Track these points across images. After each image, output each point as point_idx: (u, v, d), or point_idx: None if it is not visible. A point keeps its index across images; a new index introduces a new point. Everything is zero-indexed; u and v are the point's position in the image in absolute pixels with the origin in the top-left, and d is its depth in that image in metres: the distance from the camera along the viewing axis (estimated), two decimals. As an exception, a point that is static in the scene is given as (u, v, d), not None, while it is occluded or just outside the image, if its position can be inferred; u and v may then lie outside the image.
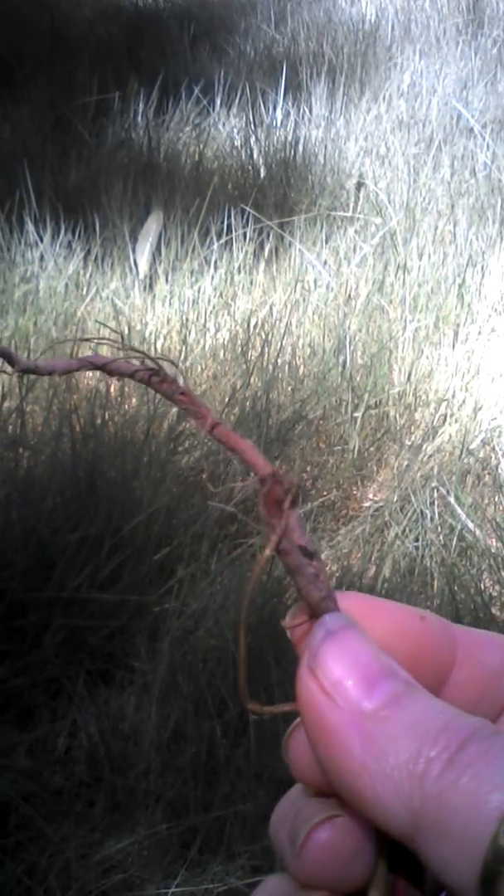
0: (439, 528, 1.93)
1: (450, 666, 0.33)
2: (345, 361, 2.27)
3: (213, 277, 2.56)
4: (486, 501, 2.04)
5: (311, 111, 3.68)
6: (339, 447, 2.14)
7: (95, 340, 0.38)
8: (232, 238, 2.68)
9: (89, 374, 2.29)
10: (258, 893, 0.33)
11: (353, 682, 0.30)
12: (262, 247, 2.71)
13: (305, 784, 0.33)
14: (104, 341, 0.37)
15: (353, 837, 0.31)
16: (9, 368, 0.33)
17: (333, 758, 0.30)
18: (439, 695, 0.33)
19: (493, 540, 1.91)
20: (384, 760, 0.29)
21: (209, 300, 2.48)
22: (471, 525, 1.92)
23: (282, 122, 3.58)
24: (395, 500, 2.00)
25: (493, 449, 2.14)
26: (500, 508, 1.99)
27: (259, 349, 2.26)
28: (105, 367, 0.33)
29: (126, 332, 2.30)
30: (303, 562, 0.32)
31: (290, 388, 2.23)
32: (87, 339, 0.36)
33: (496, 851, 0.27)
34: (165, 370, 0.34)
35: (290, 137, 3.39)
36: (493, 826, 0.27)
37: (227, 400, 2.13)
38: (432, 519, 1.94)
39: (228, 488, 1.93)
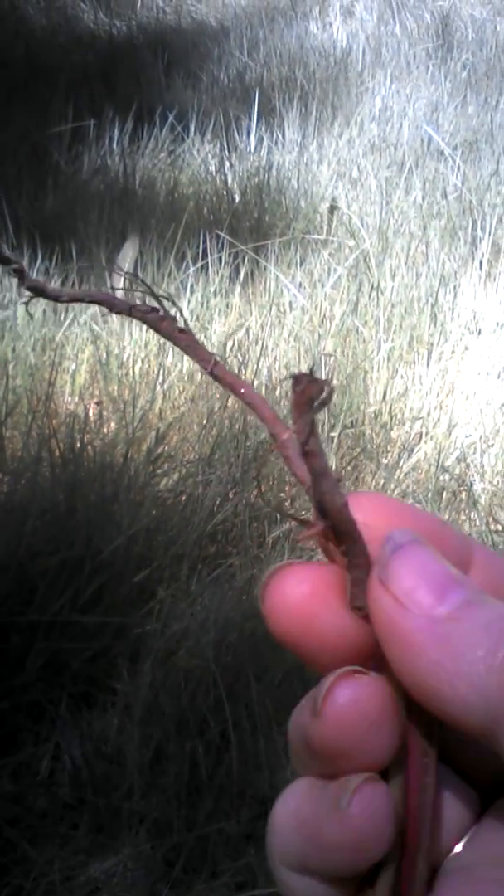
0: (416, 544, 1.96)
1: (468, 565, 0.33)
2: (320, 382, 2.29)
3: (189, 301, 2.59)
4: (461, 518, 2.07)
5: (284, 136, 3.72)
6: (316, 467, 2.16)
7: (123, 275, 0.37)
8: (208, 263, 2.71)
9: (68, 397, 2.31)
10: (284, 801, 0.32)
11: (425, 590, 0.30)
12: (237, 271, 2.74)
13: (282, 640, 0.32)
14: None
15: (380, 696, 0.31)
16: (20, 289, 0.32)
17: (409, 661, 0.30)
18: None
19: (470, 556, 1.93)
20: (460, 657, 0.29)
21: (185, 324, 2.51)
22: (447, 541, 1.94)
23: (255, 148, 3.63)
24: (372, 518, 2.02)
25: (468, 466, 2.17)
26: (476, 525, 2.02)
27: (236, 371, 2.28)
28: (106, 302, 0.33)
29: (104, 356, 2.32)
30: (327, 467, 0.31)
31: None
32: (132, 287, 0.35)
33: None
34: (166, 309, 0.33)
35: (263, 163, 3.43)
36: None
37: (204, 422, 2.15)
38: (409, 536, 1.96)
39: (208, 509, 1.94)
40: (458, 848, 0.32)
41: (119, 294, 0.34)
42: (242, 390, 0.33)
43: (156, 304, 0.33)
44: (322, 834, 0.31)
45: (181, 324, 0.33)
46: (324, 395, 0.30)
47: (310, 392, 0.30)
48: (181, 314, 0.33)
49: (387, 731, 0.31)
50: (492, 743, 0.29)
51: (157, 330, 0.33)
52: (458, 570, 0.31)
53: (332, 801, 0.31)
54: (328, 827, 0.31)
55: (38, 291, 0.32)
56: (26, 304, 0.35)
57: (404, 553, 0.31)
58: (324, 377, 0.30)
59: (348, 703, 0.31)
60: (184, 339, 0.33)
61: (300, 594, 0.32)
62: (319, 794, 0.31)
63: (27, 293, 0.33)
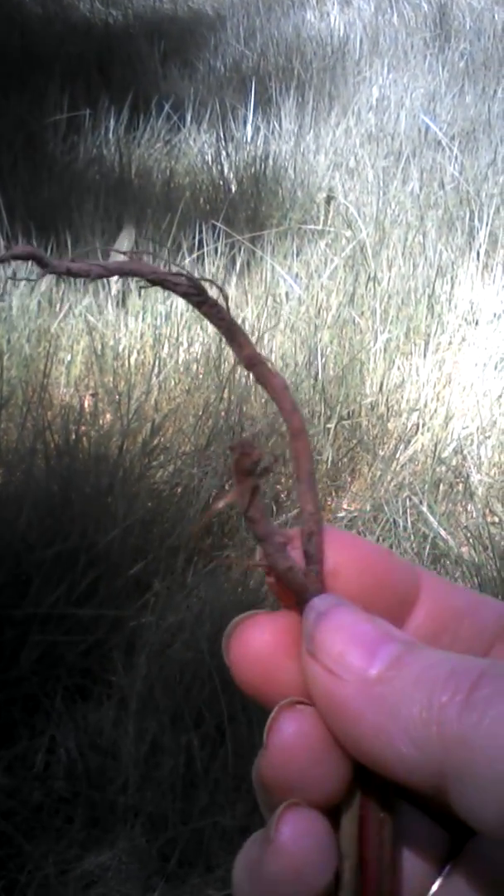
0: (412, 536, 1.95)
1: (413, 600, 0.33)
2: (317, 373, 2.29)
3: (185, 292, 2.57)
4: (458, 510, 2.06)
5: (280, 126, 3.71)
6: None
7: (136, 253, 0.34)
8: (204, 253, 2.70)
9: (63, 389, 2.29)
10: (243, 850, 0.32)
11: (354, 654, 0.30)
12: (233, 261, 2.73)
13: (247, 690, 0.32)
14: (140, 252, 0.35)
15: (325, 727, 0.31)
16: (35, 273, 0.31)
17: (349, 730, 0.30)
18: (402, 627, 0.33)
19: (466, 548, 1.93)
20: (398, 718, 0.28)
21: (182, 315, 2.50)
22: (443, 533, 1.93)
23: (252, 138, 3.61)
24: (368, 509, 2.01)
25: (465, 457, 2.16)
26: (472, 516, 2.01)
27: (232, 363, 2.27)
28: (150, 276, 0.31)
29: (100, 348, 2.31)
30: (270, 531, 0.31)
31: (262, 401, 2.24)
32: (128, 252, 0.33)
33: None
34: (207, 292, 0.32)
35: (260, 152, 3.42)
36: None
37: (200, 413, 2.14)
38: (405, 528, 1.96)
39: (203, 501, 1.94)
40: (433, 888, 0.32)
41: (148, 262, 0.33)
42: (276, 387, 0.32)
43: (186, 274, 0.32)
44: (261, 869, 0.30)
45: (224, 310, 0.32)
46: (263, 462, 0.30)
47: (246, 460, 0.30)
48: (225, 299, 0.32)
49: (334, 762, 0.31)
50: (444, 799, 0.28)
51: (199, 310, 0.32)
52: (386, 623, 0.31)
53: (266, 835, 0.30)
54: (265, 860, 0.30)
55: (64, 272, 0.31)
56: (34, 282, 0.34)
57: (328, 620, 0.31)
58: (259, 450, 0.30)
59: (292, 734, 0.31)
60: (224, 325, 0.32)
61: (263, 644, 0.32)
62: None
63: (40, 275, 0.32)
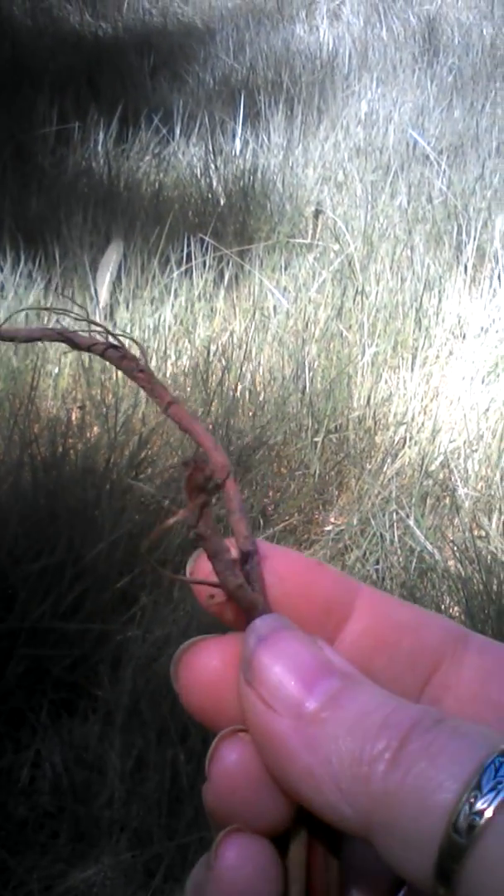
0: (399, 550, 1.96)
1: (347, 612, 0.33)
2: (304, 387, 2.29)
3: (173, 305, 2.58)
4: (445, 523, 2.06)
5: (269, 139, 3.72)
6: (299, 472, 2.16)
7: (59, 312, 0.36)
8: (192, 266, 2.71)
9: (50, 401, 2.29)
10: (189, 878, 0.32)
11: (290, 686, 0.30)
12: (221, 275, 2.74)
13: (196, 716, 0.32)
14: (68, 314, 0.35)
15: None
16: None
17: (280, 765, 0.30)
18: (336, 638, 0.32)
19: (453, 561, 1.93)
20: (329, 765, 0.28)
21: (169, 328, 2.50)
22: (430, 547, 1.94)
23: (241, 151, 3.62)
24: (355, 523, 2.02)
25: (452, 471, 2.16)
26: (459, 530, 2.02)
27: (219, 376, 2.28)
28: (68, 339, 0.33)
29: (87, 360, 2.31)
30: (221, 548, 0.32)
31: (250, 414, 2.25)
32: (51, 310, 0.36)
33: (449, 846, 0.27)
34: (126, 348, 0.33)
35: (248, 166, 3.43)
36: (443, 823, 0.27)
37: (188, 427, 2.14)
38: (392, 542, 1.96)
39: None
40: None
41: (77, 330, 0.34)
42: (197, 432, 0.33)
43: (115, 342, 0.33)
44: (205, 893, 0.30)
45: (142, 363, 0.33)
46: (214, 480, 0.30)
47: (197, 476, 0.30)
48: (142, 352, 0.34)
49: (276, 790, 0.30)
50: (371, 844, 0.28)
51: (118, 367, 0.33)
52: (328, 647, 0.31)
53: (208, 859, 0.31)
54: (208, 885, 0.30)
55: None
56: None
57: (268, 645, 0.31)
58: (211, 465, 0.31)
59: (233, 763, 0.31)
60: (143, 378, 0.33)
61: (211, 669, 0.32)
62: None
63: None
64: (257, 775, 0.30)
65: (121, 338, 0.33)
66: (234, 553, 0.32)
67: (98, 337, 0.33)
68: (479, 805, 0.27)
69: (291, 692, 0.30)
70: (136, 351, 0.34)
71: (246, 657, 0.31)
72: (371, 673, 0.32)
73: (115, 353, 0.33)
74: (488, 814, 0.27)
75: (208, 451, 0.33)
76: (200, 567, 0.33)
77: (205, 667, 0.32)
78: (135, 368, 0.33)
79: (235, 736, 0.31)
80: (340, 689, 0.30)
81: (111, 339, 0.33)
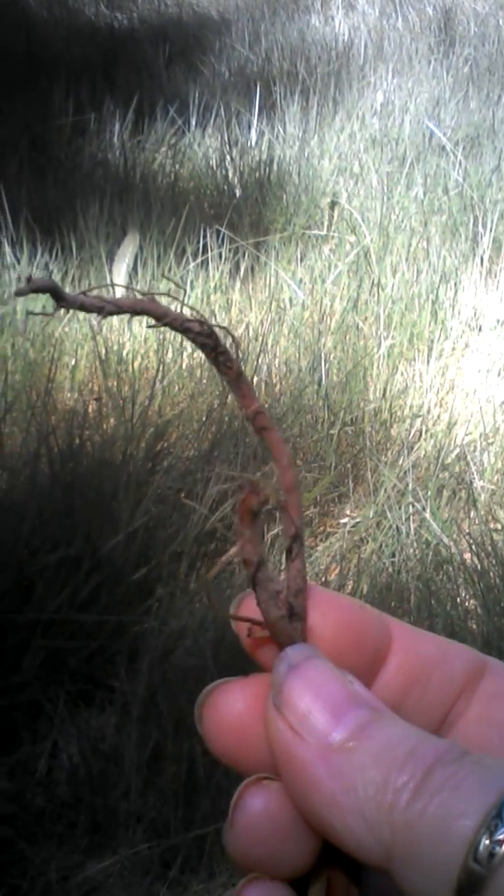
0: (415, 543, 1.95)
1: (386, 653, 0.33)
2: (320, 379, 2.29)
3: (189, 297, 2.58)
4: (461, 516, 2.06)
5: (285, 130, 3.71)
6: (315, 464, 2.16)
7: (151, 294, 0.33)
8: (208, 258, 2.70)
9: (67, 393, 2.30)
10: None
11: (318, 715, 0.30)
12: (237, 266, 2.73)
13: (221, 759, 0.32)
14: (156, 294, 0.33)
15: (290, 803, 0.31)
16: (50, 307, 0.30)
17: (304, 792, 0.30)
18: (375, 678, 0.33)
19: (469, 554, 1.93)
20: (353, 793, 0.29)
21: (237, 356, 2.50)
22: (446, 540, 1.94)
23: (256, 142, 3.61)
24: (371, 516, 2.02)
25: (468, 464, 2.16)
26: (475, 523, 2.01)
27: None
28: (163, 318, 0.31)
29: (104, 352, 2.32)
30: (266, 577, 0.31)
31: (266, 406, 2.24)
32: (142, 292, 0.33)
33: (468, 875, 0.27)
34: (221, 339, 0.32)
35: (264, 157, 3.42)
36: (462, 851, 0.27)
37: (204, 419, 2.14)
38: (408, 534, 1.96)
39: (207, 507, 1.94)
40: None
41: (165, 302, 0.32)
42: (276, 442, 0.32)
43: (200, 319, 0.32)
44: None
45: (233, 358, 0.32)
46: (272, 501, 0.30)
47: (252, 501, 0.30)
48: (236, 347, 0.32)
49: (301, 838, 0.31)
50: (390, 875, 0.29)
51: (209, 358, 0.31)
52: (357, 682, 0.31)
53: None
54: None
55: (76, 307, 0.31)
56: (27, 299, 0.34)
57: (298, 674, 0.31)
58: (267, 490, 0.29)
59: (258, 813, 0.31)
60: (231, 374, 0.32)
61: (235, 712, 0.32)
62: None
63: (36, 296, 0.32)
64: (282, 824, 0.31)
65: (217, 328, 0.32)
66: (281, 584, 0.32)
67: (194, 323, 0.31)
68: (500, 835, 0.27)
69: (320, 720, 0.30)
70: (230, 345, 0.33)
71: (277, 683, 0.31)
72: (406, 708, 0.33)
73: (205, 341, 0.31)
74: None
75: (281, 469, 0.32)
76: (247, 604, 0.33)
77: (230, 709, 0.32)
78: (224, 362, 0.32)
79: (260, 784, 0.31)
80: (368, 720, 0.30)
81: (204, 326, 0.31)
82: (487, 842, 0.27)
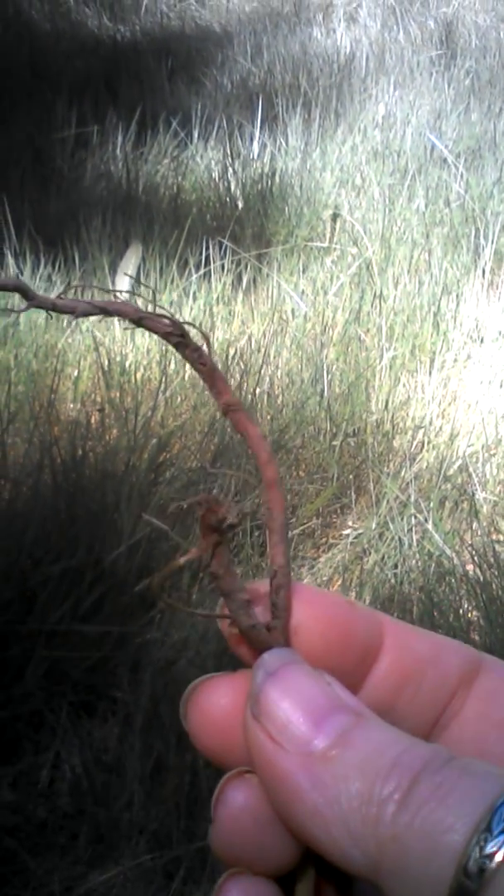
0: (418, 554, 1.95)
1: (377, 651, 0.32)
2: (322, 390, 2.29)
3: (191, 309, 2.59)
4: (463, 527, 2.06)
5: (287, 143, 3.72)
6: (318, 475, 2.16)
7: (124, 294, 0.34)
8: (210, 270, 2.71)
9: (70, 404, 2.30)
10: None
11: (298, 723, 0.29)
12: (240, 278, 2.74)
13: (206, 756, 0.32)
14: (122, 293, 0.34)
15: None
16: (20, 305, 0.31)
17: (286, 803, 0.29)
18: (366, 677, 0.32)
19: (471, 565, 1.93)
20: (337, 805, 0.28)
21: (189, 332, 2.51)
22: (449, 551, 1.94)
23: (258, 154, 3.63)
24: (373, 527, 2.02)
25: (470, 475, 2.16)
26: (478, 534, 2.02)
27: (238, 379, 2.28)
28: (133, 316, 0.31)
29: (107, 364, 2.32)
30: (234, 587, 0.31)
31: (268, 418, 2.25)
32: (111, 291, 0.34)
33: (459, 891, 0.26)
34: (191, 336, 0.32)
35: (266, 169, 3.43)
36: (452, 867, 0.26)
37: (206, 430, 2.15)
38: (411, 546, 1.96)
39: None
40: None
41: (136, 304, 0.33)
42: (252, 436, 0.33)
43: (170, 317, 0.32)
44: None
45: (205, 354, 0.32)
46: (230, 519, 0.30)
47: (212, 516, 0.30)
48: (207, 343, 0.32)
49: (284, 833, 0.30)
50: (377, 885, 0.28)
51: (182, 355, 0.32)
52: (336, 682, 0.30)
53: None
54: None
55: (48, 307, 0.31)
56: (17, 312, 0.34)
57: (276, 680, 0.30)
58: (225, 507, 0.29)
59: (239, 806, 0.30)
60: (204, 371, 0.32)
61: (221, 708, 0.31)
62: None
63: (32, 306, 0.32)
64: (265, 818, 0.30)
65: (187, 325, 0.32)
66: (250, 593, 0.32)
67: (163, 320, 0.32)
68: (490, 848, 0.26)
69: (300, 729, 0.29)
70: (200, 341, 0.33)
71: (254, 692, 0.30)
72: (398, 708, 0.32)
73: (178, 339, 0.32)
74: (499, 857, 0.26)
75: (261, 464, 0.32)
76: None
77: (215, 706, 0.31)
78: (197, 359, 0.32)
79: (242, 778, 0.30)
80: (350, 726, 0.29)
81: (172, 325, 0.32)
82: (478, 856, 0.26)
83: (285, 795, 0.29)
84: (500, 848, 0.26)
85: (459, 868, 0.26)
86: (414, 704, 0.32)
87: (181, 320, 0.32)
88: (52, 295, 0.34)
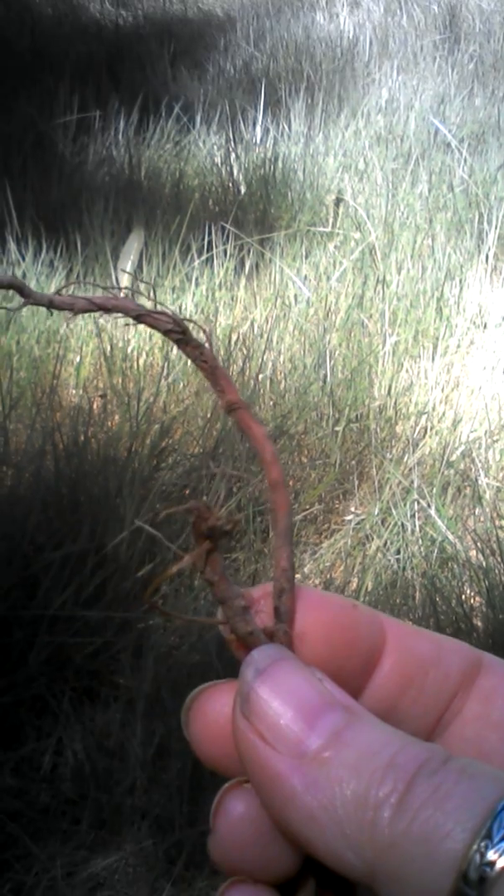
0: (420, 540, 1.95)
1: (379, 653, 0.32)
2: (325, 376, 2.29)
3: (194, 294, 2.58)
4: (466, 513, 2.06)
5: (290, 127, 3.71)
6: (320, 461, 2.15)
7: (123, 290, 0.33)
8: (213, 255, 2.70)
9: (72, 390, 2.30)
10: None
11: (290, 722, 0.28)
12: (242, 263, 2.73)
13: (208, 764, 0.31)
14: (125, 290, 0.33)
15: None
16: (16, 302, 0.30)
17: (279, 806, 0.28)
18: (368, 680, 0.31)
19: (474, 551, 1.93)
20: (332, 809, 0.27)
21: (190, 316, 2.50)
22: (451, 537, 1.93)
23: (261, 139, 3.61)
24: (376, 513, 2.01)
25: (473, 461, 2.16)
26: (480, 520, 2.01)
27: (240, 364, 2.28)
28: (133, 313, 0.31)
29: (109, 350, 2.32)
30: (230, 594, 0.31)
31: (271, 403, 2.24)
32: (110, 288, 0.33)
33: None
34: (191, 332, 0.32)
35: (269, 154, 3.42)
36: (451, 874, 0.26)
37: (209, 416, 2.14)
38: (413, 531, 1.96)
39: (212, 503, 1.94)
40: None
41: (134, 299, 0.32)
42: (256, 436, 0.32)
43: (171, 314, 0.32)
44: None
45: (206, 351, 0.32)
46: (222, 525, 0.29)
47: (203, 524, 0.30)
48: (208, 339, 0.32)
49: (284, 841, 0.29)
50: (373, 890, 0.27)
51: (184, 352, 0.32)
52: (327, 679, 0.29)
53: None
54: None
55: (45, 304, 0.31)
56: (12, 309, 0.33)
57: (266, 678, 0.29)
58: (215, 517, 0.29)
59: (239, 817, 0.29)
60: (206, 368, 0.32)
61: (222, 716, 0.30)
62: None
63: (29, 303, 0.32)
64: (264, 828, 0.29)
65: (189, 323, 0.32)
66: (246, 599, 0.31)
67: (164, 317, 0.31)
68: (491, 855, 0.25)
69: (292, 729, 0.28)
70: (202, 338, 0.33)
71: (243, 690, 0.29)
72: (401, 709, 0.31)
73: (178, 336, 0.31)
74: (500, 864, 0.25)
75: (265, 464, 0.31)
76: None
77: (216, 714, 0.31)
78: (199, 357, 0.32)
79: (241, 787, 0.30)
80: (344, 725, 0.28)
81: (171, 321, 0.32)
82: (478, 863, 0.25)
83: (278, 799, 0.28)
84: (500, 855, 0.25)
85: (459, 876, 0.26)
86: (416, 706, 0.32)
87: (182, 317, 0.32)
88: (51, 289, 0.33)
